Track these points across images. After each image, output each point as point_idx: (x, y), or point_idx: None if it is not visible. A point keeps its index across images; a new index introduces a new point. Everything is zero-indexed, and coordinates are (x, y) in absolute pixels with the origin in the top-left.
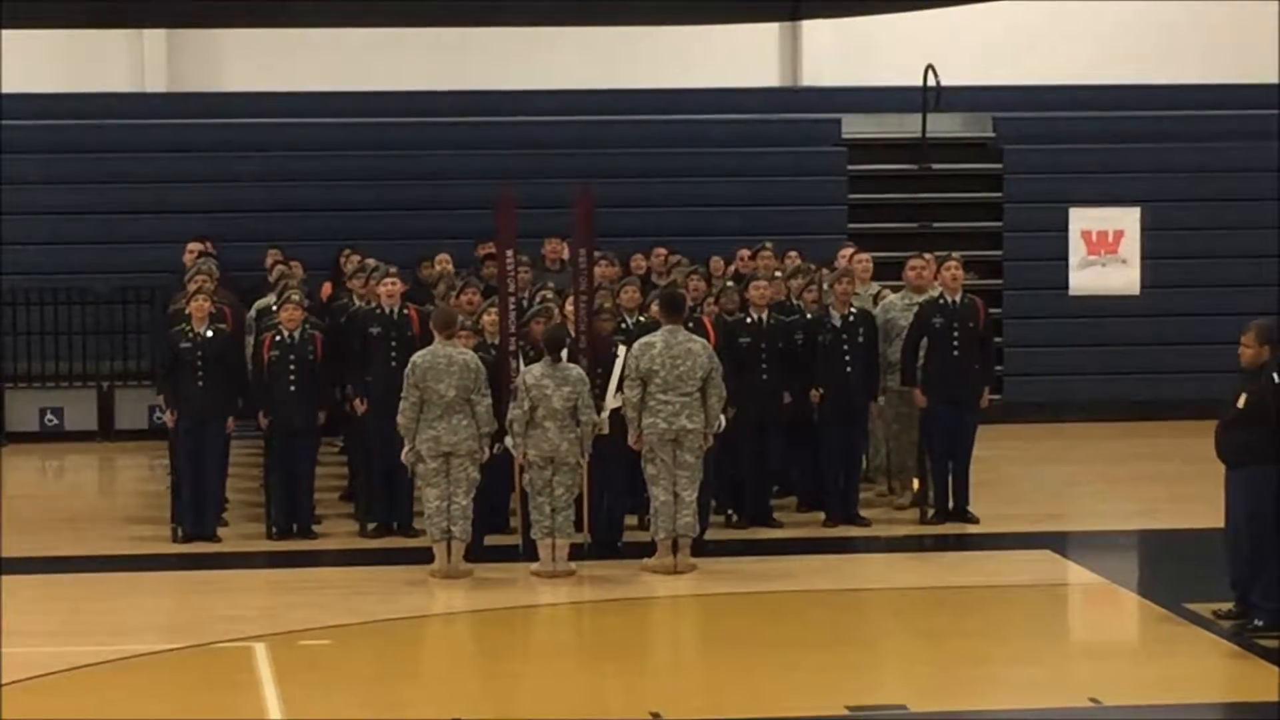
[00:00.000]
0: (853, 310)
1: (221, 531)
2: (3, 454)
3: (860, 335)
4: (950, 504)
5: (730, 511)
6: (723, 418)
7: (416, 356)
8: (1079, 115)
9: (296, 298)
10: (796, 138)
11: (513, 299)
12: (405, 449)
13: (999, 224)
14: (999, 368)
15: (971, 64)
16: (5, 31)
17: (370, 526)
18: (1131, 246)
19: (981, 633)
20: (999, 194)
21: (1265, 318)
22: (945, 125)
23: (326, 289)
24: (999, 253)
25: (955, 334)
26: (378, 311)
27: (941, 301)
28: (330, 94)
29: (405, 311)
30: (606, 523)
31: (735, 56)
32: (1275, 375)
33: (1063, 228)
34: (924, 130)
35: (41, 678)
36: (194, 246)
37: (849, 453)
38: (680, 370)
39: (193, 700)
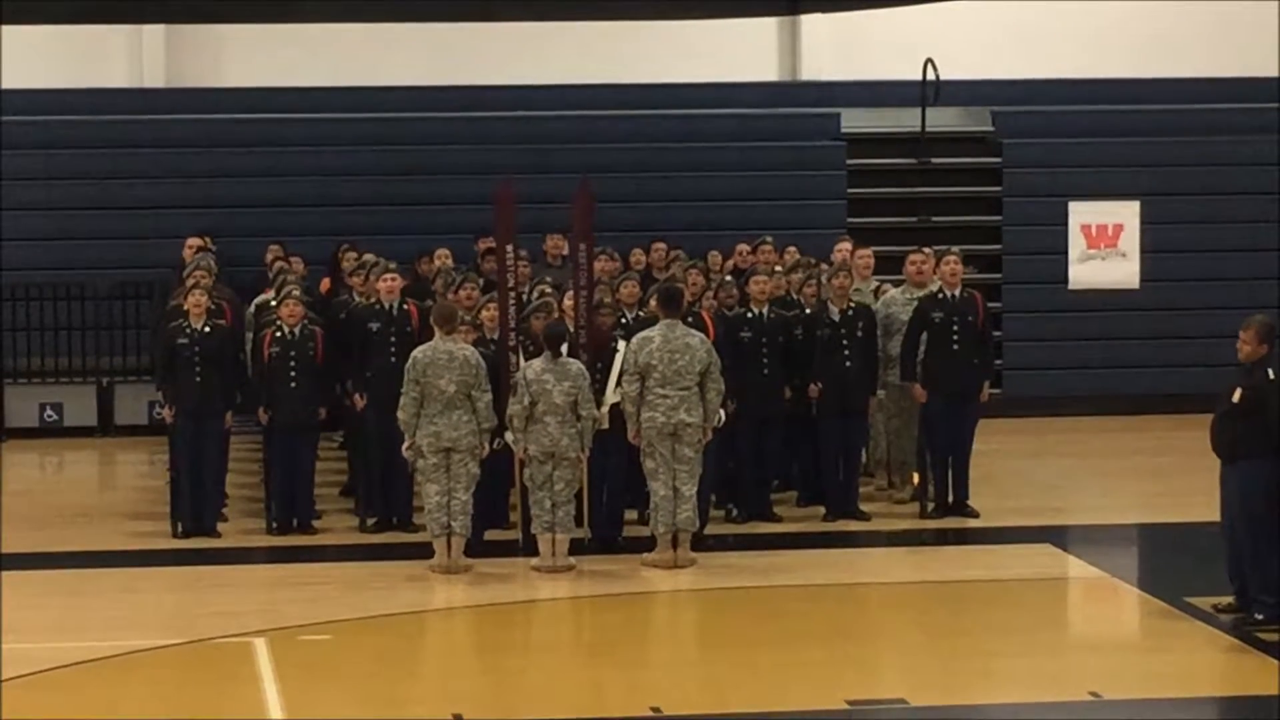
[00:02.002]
0: (851, 305)
1: (221, 527)
2: (2, 450)
3: (859, 330)
4: (950, 498)
5: (730, 506)
6: (722, 412)
7: (417, 351)
8: (1078, 109)
9: (297, 294)
10: (795, 132)
11: (512, 294)
12: (405, 444)
13: (998, 218)
14: (998, 362)
15: (970, 58)
16: (4, 27)
17: (370, 522)
18: (1131, 240)
19: (982, 627)
20: (998, 188)
21: (1265, 314)
22: (944, 119)
23: (325, 285)
24: (998, 247)
25: (954, 328)
26: (377, 307)
27: (940, 296)
28: (328, 89)
29: (405, 307)
30: (606, 518)
31: (734, 51)
32: (1270, 371)
33: (1062, 222)
34: (923, 124)
35: (42, 673)
36: (193, 242)
37: (849, 447)
38: (678, 365)
39: (192, 696)
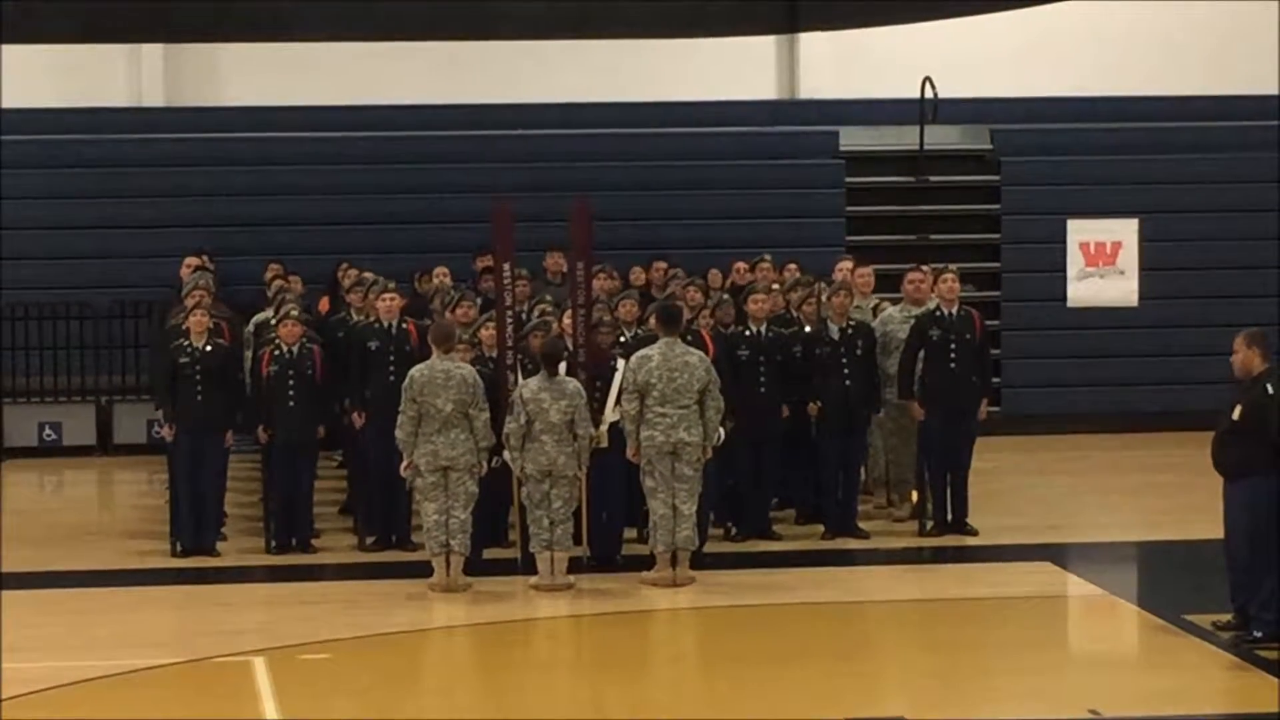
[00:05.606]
0: (851, 323)
1: (220, 546)
2: (2, 469)
3: (858, 348)
4: (949, 516)
5: (729, 524)
6: (721, 430)
7: (414, 370)
8: (1076, 127)
9: (295, 313)
10: (794, 150)
11: (510, 312)
12: (404, 463)
13: (997, 236)
14: (997, 380)
15: (969, 76)
16: (4, 47)
17: (369, 540)
18: (1129, 258)
19: (981, 644)
20: (997, 206)
21: (1256, 327)
22: (943, 137)
23: (324, 303)
24: (997, 265)
25: (952, 346)
26: (376, 326)
27: (938, 314)
28: (327, 108)
29: (404, 325)
30: (605, 536)
31: (733, 69)
32: (1269, 386)
33: (1060, 239)
34: (921, 142)
35: (41, 692)
36: (192, 261)
37: (847, 465)
38: (677, 383)
39: (192, 715)
